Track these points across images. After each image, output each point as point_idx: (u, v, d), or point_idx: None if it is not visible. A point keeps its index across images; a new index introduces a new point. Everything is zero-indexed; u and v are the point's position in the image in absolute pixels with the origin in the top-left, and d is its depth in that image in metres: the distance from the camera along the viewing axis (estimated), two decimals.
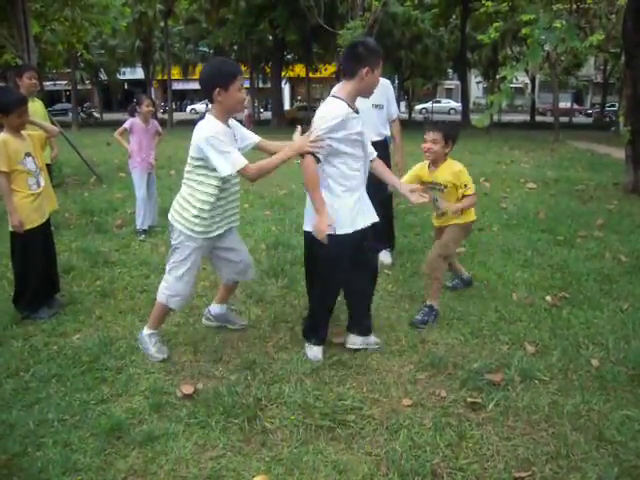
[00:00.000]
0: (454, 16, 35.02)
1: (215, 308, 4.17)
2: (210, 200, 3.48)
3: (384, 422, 2.98)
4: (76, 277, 5.27)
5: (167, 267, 3.68)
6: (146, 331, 3.78)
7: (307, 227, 3.76)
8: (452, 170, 4.21)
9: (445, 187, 4.25)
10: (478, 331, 4.05)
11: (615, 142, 16.20)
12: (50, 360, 3.67)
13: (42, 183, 4.37)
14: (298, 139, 3.50)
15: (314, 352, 3.70)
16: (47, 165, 6.46)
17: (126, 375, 3.48)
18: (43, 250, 4.45)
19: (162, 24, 33.27)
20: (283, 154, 3.46)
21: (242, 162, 3.34)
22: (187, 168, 3.52)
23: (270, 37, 31.03)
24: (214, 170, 3.34)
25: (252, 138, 3.73)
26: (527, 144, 19.50)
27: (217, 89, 3.27)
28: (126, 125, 6.81)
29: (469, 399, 3.16)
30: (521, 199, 8.83)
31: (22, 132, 4.30)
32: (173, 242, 3.65)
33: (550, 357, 3.66)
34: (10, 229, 4.24)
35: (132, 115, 6.90)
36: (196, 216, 3.52)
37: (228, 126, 3.46)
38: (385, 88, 5.26)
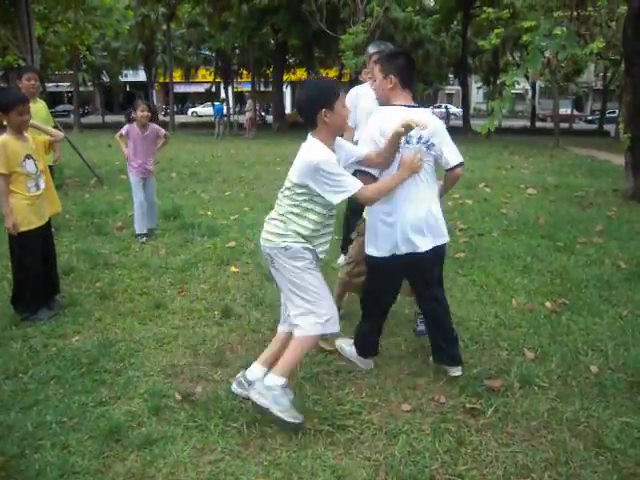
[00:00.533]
0: (455, 22, 35.07)
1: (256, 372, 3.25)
2: (312, 227, 3.04)
3: (383, 427, 2.98)
4: (76, 279, 5.28)
5: (297, 304, 3.03)
6: (277, 380, 2.97)
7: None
8: None
9: None
10: (477, 337, 4.05)
11: (615, 148, 16.22)
12: (49, 362, 3.67)
13: (42, 186, 4.37)
14: (406, 158, 3.20)
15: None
16: (49, 167, 6.50)
17: (125, 378, 3.48)
18: (42, 252, 4.46)
19: (165, 27, 33.35)
20: (399, 175, 3.19)
21: (356, 185, 2.95)
22: (286, 193, 3.05)
23: (272, 41, 31.08)
24: (319, 196, 2.97)
25: (357, 153, 3.23)
26: (527, 150, 19.53)
27: (323, 110, 2.93)
28: (122, 131, 6.71)
29: (468, 405, 3.16)
30: (521, 205, 8.83)
31: (24, 134, 4.30)
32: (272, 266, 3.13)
33: (549, 363, 3.66)
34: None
35: (129, 121, 6.75)
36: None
37: (333, 150, 3.03)
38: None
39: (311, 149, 2.97)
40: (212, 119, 30.06)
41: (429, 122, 3.22)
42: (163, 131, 6.96)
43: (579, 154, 19.03)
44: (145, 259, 5.86)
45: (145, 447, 2.81)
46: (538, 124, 40.76)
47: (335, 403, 3.19)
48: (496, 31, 17.21)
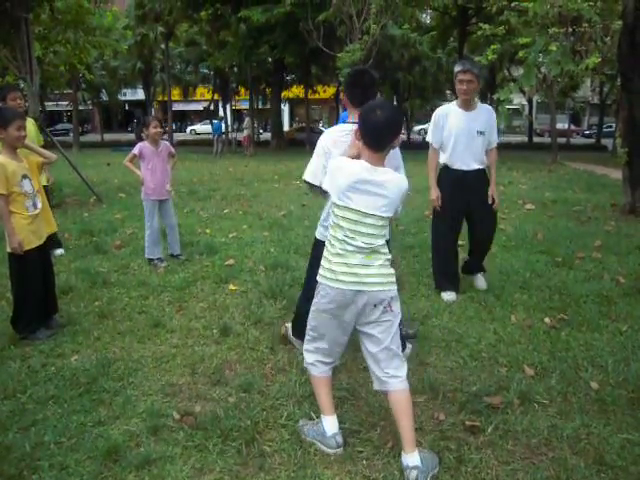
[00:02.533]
0: (452, 38, 35.35)
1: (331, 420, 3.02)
2: None
3: (383, 446, 2.96)
4: (75, 298, 5.27)
5: (392, 351, 2.86)
6: (419, 455, 2.75)
7: None
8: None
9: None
10: (477, 353, 4.04)
11: (612, 163, 16.28)
12: (47, 381, 3.67)
13: (39, 205, 4.40)
14: None
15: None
16: (44, 187, 6.51)
17: (124, 397, 3.47)
18: (41, 271, 4.46)
19: (163, 46, 33.61)
20: None
21: None
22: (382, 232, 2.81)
23: (269, 59, 31.29)
24: None
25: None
26: (525, 165, 19.59)
27: None
28: (135, 151, 6.30)
29: (468, 423, 3.14)
30: (519, 220, 8.85)
31: (18, 154, 4.33)
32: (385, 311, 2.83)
33: (549, 380, 3.65)
34: (8, 250, 4.25)
35: (140, 138, 6.46)
36: None
37: None
38: (490, 114, 5.09)
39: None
40: (211, 137, 30.16)
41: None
42: (173, 149, 6.76)
43: (577, 169, 19.09)
44: (144, 278, 5.86)
45: (143, 467, 2.79)
46: (536, 139, 40.93)
47: None
48: (492, 47, 17.35)
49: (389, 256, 2.83)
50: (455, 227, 5.31)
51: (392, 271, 2.84)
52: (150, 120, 6.35)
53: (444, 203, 5.14)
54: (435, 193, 5.15)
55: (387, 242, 2.89)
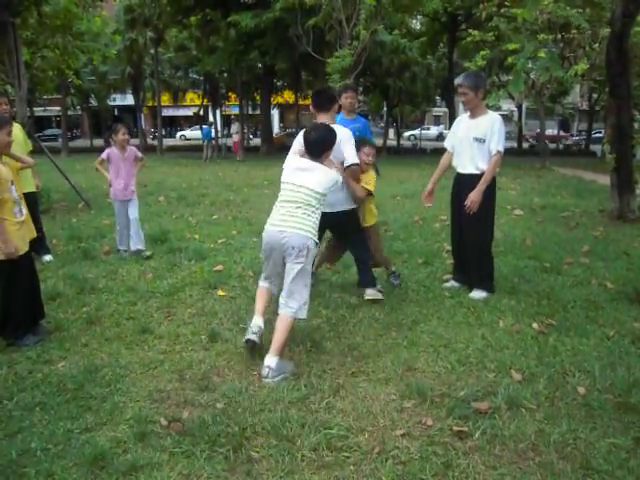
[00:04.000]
0: (441, 44, 35.54)
1: (260, 321, 4.15)
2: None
3: (370, 451, 2.96)
4: (62, 304, 5.24)
5: (298, 287, 3.95)
6: (277, 361, 3.78)
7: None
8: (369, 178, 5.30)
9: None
10: (465, 359, 4.05)
11: (601, 169, 16.39)
12: (34, 388, 3.64)
13: (24, 211, 4.39)
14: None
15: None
16: (33, 193, 6.48)
17: (111, 403, 3.45)
18: (29, 277, 4.44)
19: (152, 51, 33.53)
20: None
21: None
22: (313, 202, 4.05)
23: (259, 64, 31.31)
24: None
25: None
26: (514, 171, 19.66)
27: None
28: (103, 156, 6.99)
29: (455, 428, 3.15)
30: (508, 226, 8.88)
31: (2, 159, 4.32)
32: (299, 261, 3.93)
33: (537, 385, 3.66)
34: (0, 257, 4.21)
35: (108, 144, 7.09)
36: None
37: None
38: (491, 122, 5.19)
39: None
40: (200, 142, 30.13)
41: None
42: (140, 154, 7.29)
43: (566, 175, 19.20)
44: (132, 283, 5.84)
45: (130, 474, 2.78)
46: (525, 145, 41.16)
47: (322, 427, 3.17)
48: (482, 53, 17.47)
49: (312, 217, 4.02)
50: (458, 231, 5.61)
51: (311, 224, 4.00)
52: (119, 127, 6.98)
53: (451, 203, 5.68)
54: (427, 188, 5.68)
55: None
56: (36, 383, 3.70)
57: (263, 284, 4.30)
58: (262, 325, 4.08)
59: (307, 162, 4.15)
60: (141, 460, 2.87)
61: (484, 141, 5.18)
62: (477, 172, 5.25)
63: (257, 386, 3.68)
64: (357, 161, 4.96)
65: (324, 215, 4.31)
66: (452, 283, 5.75)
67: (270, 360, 3.76)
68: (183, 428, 3.16)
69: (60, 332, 4.57)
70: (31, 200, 6.28)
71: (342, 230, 5.31)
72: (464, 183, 5.34)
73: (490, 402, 3.41)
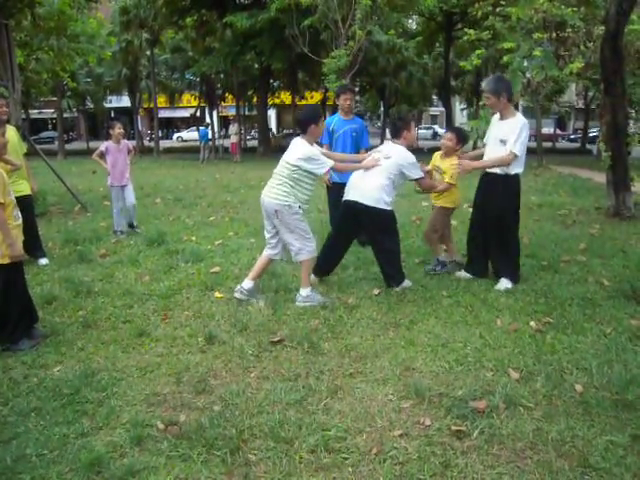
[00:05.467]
0: (437, 44, 35.53)
1: (249, 284, 5.28)
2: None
3: (368, 452, 2.95)
4: (58, 307, 5.23)
5: (292, 237, 5.10)
6: (306, 290, 5.18)
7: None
8: (451, 163, 5.87)
9: (443, 171, 6.00)
10: (462, 358, 4.04)
11: (597, 167, 16.40)
12: (30, 393, 3.63)
13: (20, 214, 4.38)
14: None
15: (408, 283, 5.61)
16: (29, 196, 6.47)
17: (107, 407, 3.44)
18: (23, 281, 4.44)
19: (148, 53, 33.48)
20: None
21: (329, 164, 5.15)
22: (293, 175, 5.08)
23: (256, 65, 31.28)
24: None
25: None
26: None
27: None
28: (102, 148, 8.33)
29: (454, 427, 3.14)
30: None
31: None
32: (277, 221, 5.10)
33: (534, 383, 3.65)
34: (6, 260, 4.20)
35: (108, 138, 8.42)
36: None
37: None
38: (511, 124, 5.39)
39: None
40: (197, 144, 30.11)
41: None
42: (131, 145, 8.75)
43: (562, 173, 19.20)
44: (128, 286, 5.82)
45: (127, 478, 2.77)
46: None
47: (320, 428, 3.16)
48: (477, 52, 17.45)
49: (285, 186, 5.04)
50: (477, 225, 5.89)
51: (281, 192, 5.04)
52: (115, 123, 8.56)
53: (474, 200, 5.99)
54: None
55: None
56: (31, 388, 3.69)
57: (265, 251, 5.41)
58: (247, 287, 5.26)
59: (295, 140, 5.24)
60: (138, 464, 2.86)
61: (505, 142, 5.38)
62: (501, 173, 5.49)
63: (254, 388, 3.67)
64: (421, 175, 5.60)
65: (349, 203, 5.46)
66: (463, 273, 6.00)
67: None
68: (180, 431, 3.15)
69: (56, 336, 4.55)
70: (27, 203, 6.29)
71: (369, 227, 5.60)
72: (489, 182, 5.66)
73: (488, 401, 3.40)
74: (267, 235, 5.35)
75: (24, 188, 6.52)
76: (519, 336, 4.41)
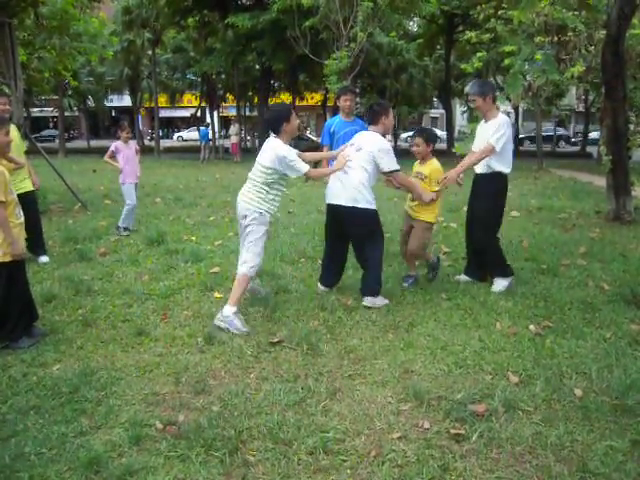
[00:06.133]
0: (438, 46, 35.52)
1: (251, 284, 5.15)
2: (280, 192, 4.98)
3: (367, 454, 2.95)
4: (58, 306, 5.22)
5: (245, 247, 4.85)
6: (230, 310, 4.66)
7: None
8: (433, 167, 5.64)
9: (425, 177, 5.65)
10: (461, 361, 4.04)
11: (597, 170, 16.38)
12: (29, 391, 3.63)
13: (21, 212, 4.39)
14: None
15: (383, 300, 5.23)
16: (32, 192, 6.48)
17: (106, 407, 3.44)
18: (24, 279, 4.44)
19: (150, 52, 33.47)
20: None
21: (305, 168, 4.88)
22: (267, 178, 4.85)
23: (257, 66, 31.27)
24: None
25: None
26: (511, 172, 19.66)
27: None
28: (112, 148, 8.57)
29: (452, 430, 3.14)
30: (505, 228, 8.83)
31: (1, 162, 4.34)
32: (245, 225, 4.86)
33: (534, 387, 3.65)
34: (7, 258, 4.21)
35: (117, 138, 8.65)
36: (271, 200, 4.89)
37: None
38: (497, 123, 5.44)
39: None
40: (198, 143, 30.07)
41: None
42: (137, 146, 9.02)
43: (562, 176, 19.21)
44: (128, 285, 5.81)
45: (125, 478, 2.77)
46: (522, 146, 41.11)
47: (318, 430, 3.16)
48: (478, 54, 17.44)
49: (259, 190, 4.82)
50: (469, 224, 5.95)
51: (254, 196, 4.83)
52: (125, 126, 8.69)
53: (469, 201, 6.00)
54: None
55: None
56: (30, 386, 3.68)
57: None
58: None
59: (268, 140, 4.95)
60: (136, 464, 2.86)
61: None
62: (489, 171, 5.58)
63: (253, 389, 3.66)
64: (396, 167, 5.24)
65: (330, 207, 5.32)
66: (463, 277, 6.00)
67: (226, 309, 4.72)
68: (179, 431, 3.15)
69: (55, 335, 4.54)
70: (30, 199, 6.34)
71: (350, 230, 5.32)
72: (476, 182, 5.79)
73: (487, 405, 3.40)
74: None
75: (27, 185, 6.57)
76: (518, 340, 4.41)
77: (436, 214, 5.79)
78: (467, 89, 5.80)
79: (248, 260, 4.81)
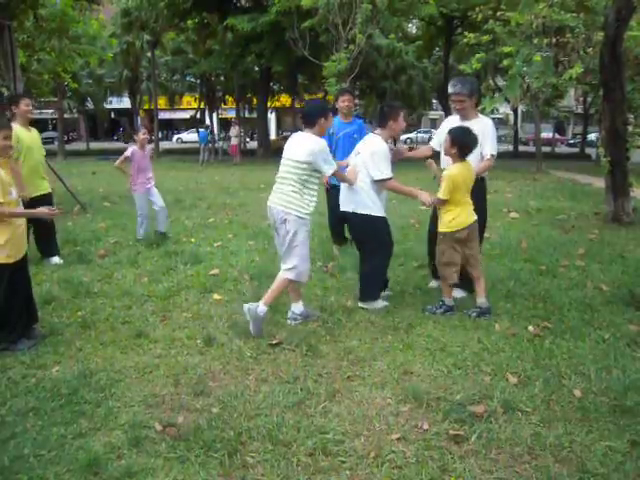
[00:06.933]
0: (437, 48, 35.59)
1: (298, 307, 4.87)
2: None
3: (366, 456, 2.95)
4: (57, 308, 5.22)
5: (291, 252, 4.62)
6: (262, 306, 4.57)
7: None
8: (447, 172, 4.93)
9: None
10: (461, 362, 4.04)
11: (596, 172, 16.41)
12: (28, 393, 3.63)
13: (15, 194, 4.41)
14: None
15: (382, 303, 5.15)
16: (49, 194, 6.85)
17: (105, 408, 3.44)
18: (26, 280, 4.45)
19: (149, 54, 33.50)
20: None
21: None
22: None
23: (256, 67, 31.29)
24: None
25: None
26: (510, 174, 19.66)
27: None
28: (127, 154, 7.89)
29: (452, 431, 3.14)
30: (504, 229, 8.89)
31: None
32: (283, 231, 4.62)
33: (532, 388, 3.65)
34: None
35: (132, 141, 8.30)
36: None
37: None
38: (484, 126, 5.20)
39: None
40: (197, 145, 30.08)
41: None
42: (152, 152, 8.44)
43: (561, 177, 19.23)
44: (127, 287, 5.81)
45: (125, 479, 2.76)
46: (521, 148, 41.18)
47: (318, 431, 3.16)
48: (477, 55, 17.46)
49: (295, 190, 4.56)
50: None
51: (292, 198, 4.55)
52: (140, 128, 8.26)
53: None
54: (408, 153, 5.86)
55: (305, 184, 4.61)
56: (30, 388, 3.68)
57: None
58: (296, 310, 4.85)
59: (299, 135, 4.73)
60: (135, 466, 2.86)
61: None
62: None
63: (253, 390, 3.67)
64: (384, 177, 4.95)
65: (343, 214, 5.22)
66: (434, 282, 5.75)
67: (259, 304, 4.59)
68: (178, 433, 3.15)
69: (54, 336, 4.54)
70: (47, 201, 6.50)
71: (354, 234, 5.45)
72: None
73: (486, 405, 3.40)
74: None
75: (45, 186, 6.80)
76: (517, 341, 4.41)
77: (451, 223, 4.91)
78: (451, 88, 5.32)
79: (297, 264, 4.62)
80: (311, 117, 4.67)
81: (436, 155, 5.67)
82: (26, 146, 6.40)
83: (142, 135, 8.04)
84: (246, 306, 4.56)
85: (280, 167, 4.73)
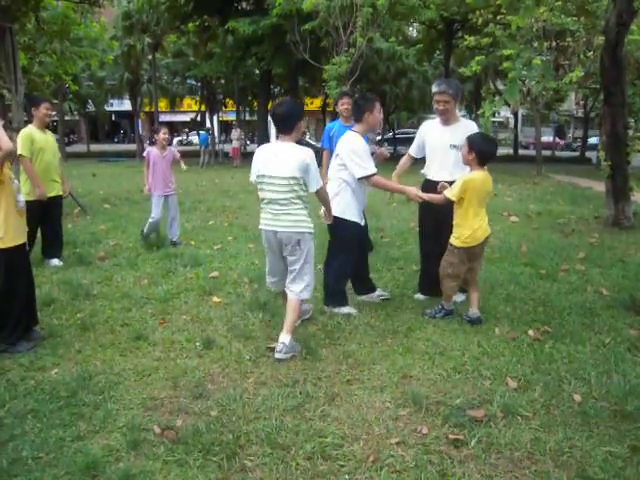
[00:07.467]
0: (438, 51, 35.61)
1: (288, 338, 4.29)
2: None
3: (365, 460, 2.94)
4: (56, 310, 5.22)
5: (301, 271, 4.30)
6: (289, 337, 4.18)
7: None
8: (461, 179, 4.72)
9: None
10: (460, 366, 4.03)
11: (596, 176, 16.41)
12: (27, 395, 3.62)
13: (23, 200, 4.43)
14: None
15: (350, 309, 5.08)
16: (60, 196, 6.90)
17: (104, 411, 3.42)
18: (27, 278, 4.44)
19: (150, 57, 33.54)
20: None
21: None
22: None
23: (257, 70, 31.33)
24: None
25: None
26: (510, 177, 19.65)
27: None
28: (150, 158, 7.60)
29: (451, 436, 3.13)
30: (504, 232, 8.87)
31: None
32: (295, 253, 4.27)
33: (532, 392, 3.64)
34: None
35: (152, 142, 7.96)
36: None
37: None
38: (467, 129, 5.02)
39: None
40: (197, 148, 30.09)
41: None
42: (179, 155, 8.03)
43: (561, 181, 19.22)
44: (127, 290, 5.81)
45: None
46: (521, 151, 41.20)
47: (317, 435, 3.15)
48: (477, 58, 17.47)
49: (300, 207, 4.21)
50: (428, 235, 5.46)
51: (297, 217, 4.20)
52: (159, 127, 7.85)
53: (420, 212, 5.52)
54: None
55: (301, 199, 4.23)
56: (28, 390, 3.68)
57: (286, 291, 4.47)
58: (285, 341, 4.18)
59: (277, 147, 4.23)
60: (134, 469, 2.85)
61: (458, 147, 4.99)
62: (450, 179, 4.95)
63: (251, 394, 3.65)
64: (367, 173, 4.81)
65: None
66: (420, 295, 5.57)
67: (284, 337, 4.16)
68: (176, 436, 3.14)
69: (54, 338, 4.54)
70: (57, 203, 6.81)
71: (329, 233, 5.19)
72: (436, 190, 4.96)
73: (486, 410, 3.39)
74: (274, 279, 4.61)
75: (56, 189, 6.83)
76: (517, 345, 4.40)
77: (467, 239, 4.75)
78: (436, 87, 5.11)
79: (310, 283, 4.37)
80: (290, 120, 4.18)
81: (415, 162, 5.61)
82: (38, 147, 6.52)
83: (162, 135, 7.62)
84: (278, 351, 4.13)
85: (264, 188, 4.25)
